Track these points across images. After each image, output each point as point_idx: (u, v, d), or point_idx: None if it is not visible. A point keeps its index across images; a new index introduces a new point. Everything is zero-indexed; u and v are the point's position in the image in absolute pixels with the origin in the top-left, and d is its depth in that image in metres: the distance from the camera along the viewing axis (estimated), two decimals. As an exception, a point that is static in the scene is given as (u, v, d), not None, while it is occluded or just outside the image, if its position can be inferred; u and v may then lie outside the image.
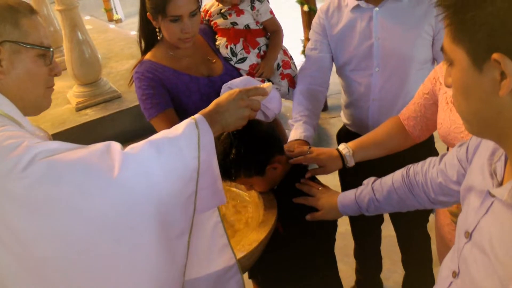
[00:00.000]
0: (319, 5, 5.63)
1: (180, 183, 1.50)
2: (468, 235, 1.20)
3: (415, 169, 1.79)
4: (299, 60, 2.73)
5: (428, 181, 1.71)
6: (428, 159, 1.77)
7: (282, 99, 2.71)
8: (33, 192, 1.34)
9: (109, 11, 11.79)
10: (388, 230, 3.10)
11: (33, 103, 1.68)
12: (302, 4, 5.58)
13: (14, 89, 1.61)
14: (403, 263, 3.11)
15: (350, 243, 3.27)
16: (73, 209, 1.37)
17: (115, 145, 1.48)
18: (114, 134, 5.15)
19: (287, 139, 2.45)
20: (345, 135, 2.83)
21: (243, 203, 2.20)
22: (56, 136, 4.95)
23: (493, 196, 1.13)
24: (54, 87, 1.76)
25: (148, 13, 2.42)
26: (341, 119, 2.87)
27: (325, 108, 5.95)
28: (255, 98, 1.75)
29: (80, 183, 1.37)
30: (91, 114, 5.32)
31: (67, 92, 5.85)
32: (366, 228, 3.05)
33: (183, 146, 1.52)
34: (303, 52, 5.77)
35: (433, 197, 1.70)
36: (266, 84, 1.82)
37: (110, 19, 11.64)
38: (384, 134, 2.19)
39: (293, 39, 6.87)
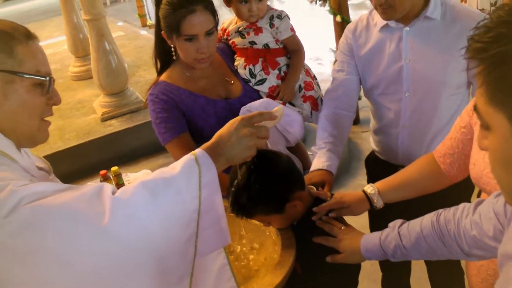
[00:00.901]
0: (352, 13, 5.55)
1: (178, 227, 1.39)
2: None
3: (447, 216, 1.61)
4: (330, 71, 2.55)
5: (461, 232, 1.53)
6: (461, 206, 1.59)
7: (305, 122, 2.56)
8: (16, 240, 1.25)
9: (142, 16, 11.73)
10: (419, 257, 2.92)
11: (27, 136, 1.58)
12: (335, 15, 5.44)
13: (6, 121, 1.51)
14: (434, 299, 2.91)
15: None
16: (59, 259, 1.27)
17: (106, 189, 1.36)
18: (139, 146, 5.14)
19: (310, 165, 2.30)
20: (373, 162, 2.67)
21: (261, 238, 2.05)
22: (81, 147, 4.99)
23: None
24: (50, 120, 1.64)
25: (162, 32, 2.29)
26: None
27: (357, 121, 5.77)
28: (263, 124, 1.60)
29: (66, 231, 1.27)
30: (116, 125, 5.27)
31: (94, 101, 5.81)
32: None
33: (181, 186, 1.40)
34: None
35: (467, 249, 1.53)
36: (276, 108, 1.66)
37: (144, 25, 11.60)
38: (415, 173, 1.99)
39: (325, 50, 6.78)
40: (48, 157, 4.26)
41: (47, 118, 1.62)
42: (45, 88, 1.56)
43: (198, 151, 1.49)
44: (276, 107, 1.68)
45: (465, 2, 5.29)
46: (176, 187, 1.39)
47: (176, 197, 1.38)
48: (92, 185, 1.39)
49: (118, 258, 1.30)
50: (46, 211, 1.27)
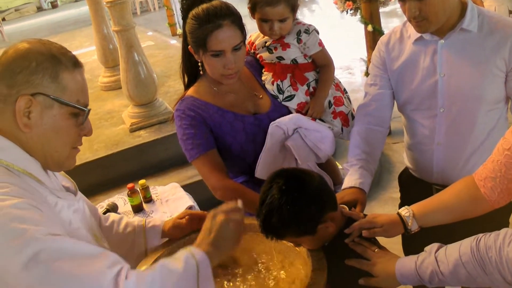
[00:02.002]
0: (383, 21, 5.47)
1: None
2: None
3: (487, 242, 1.52)
4: (364, 81, 2.49)
5: (503, 260, 1.45)
6: (503, 231, 1.50)
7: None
8: None
9: (172, 25, 11.84)
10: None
11: (55, 162, 1.59)
12: (366, 24, 5.38)
13: (37, 145, 1.52)
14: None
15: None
16: None
17: (123, 272, 1.37)
18: (167, 157, 5.12)
19: (341, 180, 2.23)
20: (407, 179, 2.59)
21: (291, 259, 1.98)
22: (109, 158, 4.99)
23: None
24: (80, 148, 1.67)
25: (189, 46, 2.24)
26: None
27: (388, 132, 5.64)
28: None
29: None
30: (144, 136, 5.25)
31: (123, 112, 5.81)
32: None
33: (182, 283, 1.44)
34: (366, 73, 5.57)
35: (510, 279, 1.45)
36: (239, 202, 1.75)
37: (174, 34, 11.71)
38: (453, 197, 1.88)
39: (355, 59, 6.73)
40: (76, 168, 4.21)
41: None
42: (81, 118, 1.56)
43: (193, 249, 1.54)
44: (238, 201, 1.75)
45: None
46: (179, 279, 1.43)
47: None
48: (115, 259, 1.41)
49: None
50: (59, 279, 1.27)
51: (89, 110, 1.58)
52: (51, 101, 1.48)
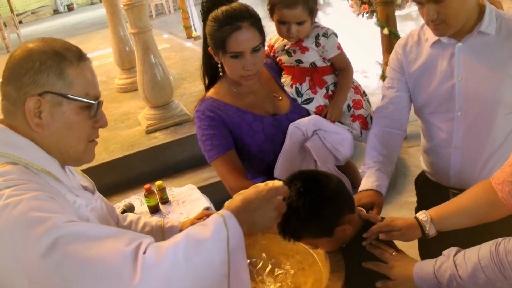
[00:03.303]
0: (398, 24, 5.46)
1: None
2: None
3: (507, 246, 1.52)
4: (379, 84, 2.48)
5: None
6: None
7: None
8: (51, 278, 1.26)
9: (188, 28, 11.89)
10: None
11: (73, 157, 1.59)
12: (382, 27, 5.36)
13: (52, 143, 1.53)
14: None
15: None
16: None
17: (143, 247, 1.33)
18: (183, 159, 5.15)
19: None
20: (423, 183, 2.57)
21: (309, 260, 1.98)
22: (125, 159, 5.02)
23: None
24: (98, 139, 1.66)
25: (209, 48, 2.26)
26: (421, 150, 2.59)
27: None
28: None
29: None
30: (160, 138, 5.28)
31: (139, 113, 5.83)
32: None
33: (212, 250, 1.39)
34: (382, 77, 5.55)
35: None
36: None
37: (189, 36, 11.75)
38: (470, 201, 1.86)
39: (371, 63, 6.71)
40: (93, 169, 4.31)
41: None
42: (93, 111, 1.56)
43: (226, 213, 1.48)
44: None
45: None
46: (207, 250, 1.38)
47: (207, 260, 1.38)
48: (133, 236, 1.37)
49: None
50: (76, 263, 1.26)
51: (99, 102, 1.57)
52: (59, 98, 1.48)
